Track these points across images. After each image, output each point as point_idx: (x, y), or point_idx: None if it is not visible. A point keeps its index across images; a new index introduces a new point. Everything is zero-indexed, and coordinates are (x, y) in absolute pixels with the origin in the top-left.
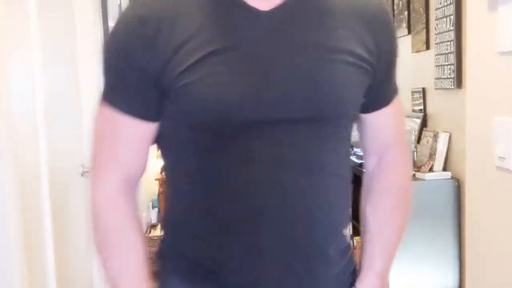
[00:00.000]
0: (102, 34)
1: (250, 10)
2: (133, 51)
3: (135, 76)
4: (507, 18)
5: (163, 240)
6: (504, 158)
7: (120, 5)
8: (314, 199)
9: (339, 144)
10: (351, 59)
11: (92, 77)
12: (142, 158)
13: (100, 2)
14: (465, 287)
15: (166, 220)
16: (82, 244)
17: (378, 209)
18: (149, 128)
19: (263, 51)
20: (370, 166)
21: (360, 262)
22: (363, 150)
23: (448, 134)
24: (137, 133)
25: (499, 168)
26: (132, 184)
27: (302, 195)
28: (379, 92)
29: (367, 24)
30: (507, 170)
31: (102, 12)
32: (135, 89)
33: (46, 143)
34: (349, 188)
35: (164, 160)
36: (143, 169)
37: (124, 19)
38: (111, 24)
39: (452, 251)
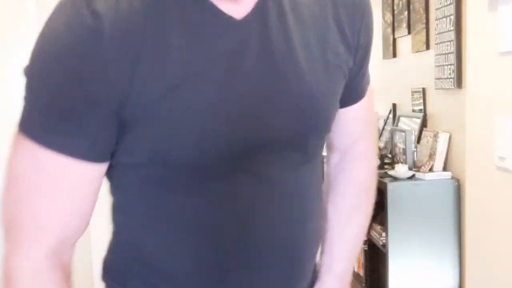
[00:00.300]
0: None
1: (226, 20)
2: (87, 76)
3: (87, 106)
4: (507, 18)
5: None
6: (504, 158)
7: None
8: (304, 233)
9: (319, 156)
10: (333, 62)
11: None
12: (85, 211)
13: None
14: (465, 287)
15: (116, 263)
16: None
17: (339, 208)
18: (98, 172)
19: (243, 70)
20: (333, 161)
21: (319, 263)
22: (328, 144)
23: (448, 134)
24: (81, 180)
25: (499, 168)
26: (67, 248)
27: (292, 229)
28: (353, 87)
29: (346, 11)
30: (507, 170)
31: None
32: (84, 122)
33: None
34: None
35: (115, 198)
36: (85, 225)
37: (69, 26)
38: None
39: (452, 251)
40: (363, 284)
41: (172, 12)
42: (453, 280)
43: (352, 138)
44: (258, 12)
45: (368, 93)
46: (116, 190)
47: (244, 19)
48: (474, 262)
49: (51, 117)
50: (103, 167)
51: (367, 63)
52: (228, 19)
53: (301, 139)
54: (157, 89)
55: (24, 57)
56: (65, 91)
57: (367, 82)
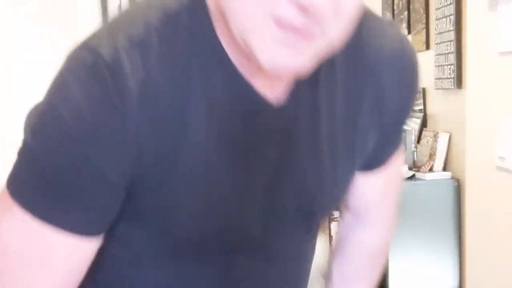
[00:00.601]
0: None
1: (257, 103)
2: (103, 160)
3: (95, 188)
4: (507, 18)
5: None
6: (504, 158)
7: (120, 5)
8: None
9: (321, 224)
10: (359, 150)
11: None
12: (75, 284)
13: (100, 2)
14: (465, 287)
15: None
16: None
17: (344, 271)
18: (95, 245)
19: (262, 160)
20: (346, 220)
21: None
22: (343, 202)
23: (448, 134)
24: (77, 254)
25: (499, 168)
26: None
27: None
28: (375, 155)
29: (379, 80)
30: (507, 170)
31: (102, 12)
32: (89, 199)
33: None
34: None
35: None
36: None
37: (92, 104)
38: None
39: (452, 251)
40: None
41: (197, 84)
42: (453, 280)
43: (368, 203)
44: (294, 97)
45: (396, 159)
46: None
47: (282, 106)
48: (474, 262)
49: (52, 193)
50: (99, 240)
51: (399, 133)
52: (260, 102)
53: (306, 220)
54: (168, 174)
55: (24, 55)
56: (74, 171)
57: (395, 149)
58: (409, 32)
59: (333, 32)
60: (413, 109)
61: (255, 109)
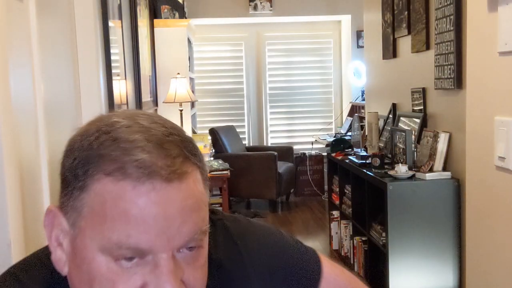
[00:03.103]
0: (102, 33)
1: None
2: None
3: None
4: (507, 18)
5: None
6: (504, 158)
7: (120, 5)
8: None
9: None
10: None
11: (92, 76)
12: None
13: (100, 2)
14: (465, 287)
15: None
16: None
17: None
18: None
19: None
20: None
21: None
22: None
23: (448, 134)
24: None
25: (499, 168)
26: None
27: None
28: None
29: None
30: (507, 170)
31: (102, 12)
32: None
33: (46, 142)
34: None
35: None
36: None
37: None
38: (111, 24)
39: (452, 251)
40: None
41: None
42: (453, 280)
43: None
44: None
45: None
46: None
47: None
48: (474, 262)
49: None
50: None
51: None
52: None
53: None
54: None
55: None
56: None
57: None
58: (409, 32)
59: None
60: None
61: None
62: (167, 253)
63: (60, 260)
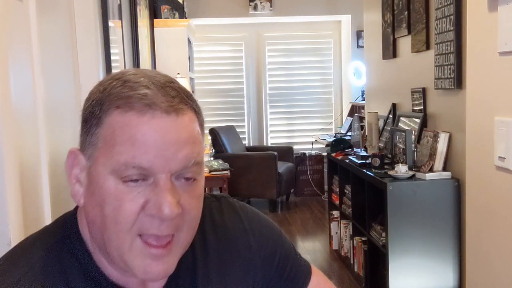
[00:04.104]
0: (102, 33)
1: None
2: None
3: None
4: (507, 18)
5: None
6: (504, 158)
7: (120, 5)
8: None
9: None
10: None
11: (92, 76)
12: None
13: (100, 2)
14: (465, 287)
15: None
16: None
17: None
18: None
19: None
20: None
21: None
22: None
23: (448, 134)
24: None
25: (499, 168)
26: None
27: None
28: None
29: (238, 244)
30: (507, 170)
31: (102, 12)
32: None
33: (46, 142)
34: None
35: None
36: None
37: None
38: (111, 24)
39: (452, 251)
40: (363, 284)
41: None
42: (453, 280)
43: None
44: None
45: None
46: None
47: None
48: (474, 262)
49: None
50: None
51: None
52: None
53: None
54: None
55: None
56: None
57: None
58: (409, 32)
59: (184, 234)
60: None
61: None
62: (165, 174)
63: (78, 193)
